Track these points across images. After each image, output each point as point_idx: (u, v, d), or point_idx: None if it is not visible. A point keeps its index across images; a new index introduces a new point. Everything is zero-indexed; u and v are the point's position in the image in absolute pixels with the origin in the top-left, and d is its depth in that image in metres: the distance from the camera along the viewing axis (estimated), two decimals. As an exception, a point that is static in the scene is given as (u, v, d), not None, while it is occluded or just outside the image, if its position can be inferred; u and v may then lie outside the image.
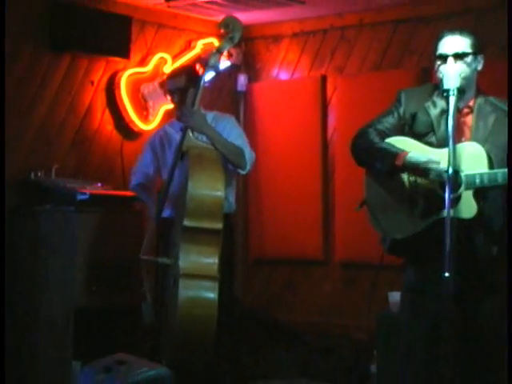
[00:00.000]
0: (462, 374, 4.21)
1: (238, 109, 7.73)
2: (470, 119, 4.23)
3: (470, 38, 4.21)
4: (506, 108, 4.20)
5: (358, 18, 7.27)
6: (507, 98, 4.17)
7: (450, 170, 3.91)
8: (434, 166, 4.06)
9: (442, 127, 4.15)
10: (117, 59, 6.87)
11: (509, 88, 4.27)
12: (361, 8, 7.07)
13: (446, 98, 4.03)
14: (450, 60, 4.16)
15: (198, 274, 5.09)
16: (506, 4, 4.65)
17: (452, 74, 4.09)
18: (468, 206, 4.04)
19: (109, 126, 6.91)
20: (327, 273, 7.45)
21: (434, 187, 4.09)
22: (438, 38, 4.24)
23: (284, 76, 7.78)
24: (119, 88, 6.87)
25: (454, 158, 3.93)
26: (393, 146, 4.21)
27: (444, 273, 3.81)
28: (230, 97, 7.77)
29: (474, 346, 4.27)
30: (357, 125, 4.42)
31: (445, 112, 4.10)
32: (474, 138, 4.15)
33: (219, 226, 5.15)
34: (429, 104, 4.27)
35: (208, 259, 5.12)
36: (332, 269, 7.43)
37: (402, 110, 4.32)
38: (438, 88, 4.20)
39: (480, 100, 4.25)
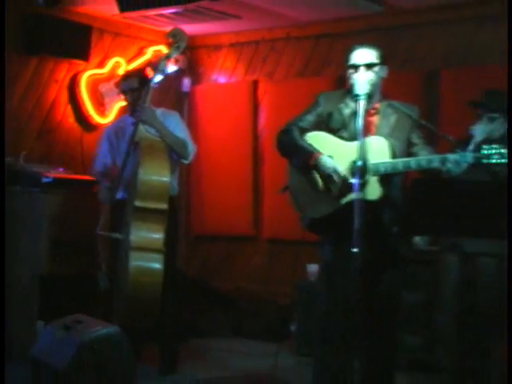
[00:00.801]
0: (367, 335, 4.26)
1: (182, 107, 7.72)
2: (375, 119, 4.28)
3: (377, 51, 4.27)
4: (406, 110, 4.28)
5: (286, 32, 7.30)
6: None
7: (360, 161, 3.95)
8: (335, 177, 4.14)
9: (352, 124, 4.19)
10: (78, 62, 6.84)
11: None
12: (288, 24, 7.10)
13: (357, 101, 4.09)
14: (362, 69, 4.22)
15: (146, 247, 5.06)
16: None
17: (362, 82, 4.13)
18: (374, 190, 4.09)
19: (70, 119, 6.89)
20: (257, 247, 7.50)
21: (345, 174, 4.16)
22: (350, 51, 4.29)
23: (222, 80, 7.80)
24: (80, 87, 6.85)
25: (362, 150, 3.98)
26: (310, 145, 4.26)
27: (353, 248, 3.87)
28: (175, 97, 7.76)
29: (377, 311, 4.32)
30: (283, 123, 4.45)
31: (355, 112, 4.12)
32: (378, 134, 4.21)
33: (165, 206, 5.14)
34: (342, 105, 4.31)
35: (155, 235, 5.10)
36: (261, 244, 7.48)
37: (320, 110, 4.36)
38: (349, 92, 4.24)
39: (384, 103, 4.31)
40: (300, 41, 7.30)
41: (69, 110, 6.88)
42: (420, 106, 4.44)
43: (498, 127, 5.04)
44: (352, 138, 4.19)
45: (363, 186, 3.99)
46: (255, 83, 7.52)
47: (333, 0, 6.16)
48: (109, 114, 7.00)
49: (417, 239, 5.76)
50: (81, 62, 6.86)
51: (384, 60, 4.29)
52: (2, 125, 5.53)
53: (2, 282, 4.48)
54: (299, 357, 6.00)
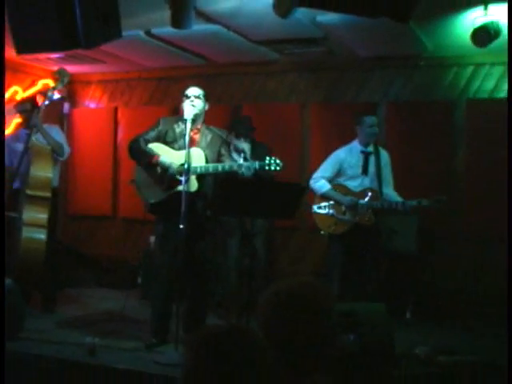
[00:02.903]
0: (188, 285, 4.38)
1: (63, 124, 7.50)
2: (197, 136, 4.38)
3: (202, 90, 4.38)
4: (218, 132, 4.41)
5: (138, 74, 7.26)
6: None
7: (186, 165, 4.08)
8: (171, 169, 4.22)
9: (181, 139, 4.29)
10: (-15, 89, 6.50)
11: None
12: (139, 68, 7.07)
13: (185, 123, 4.18)
14: (191, 99, 4.31)
15: (34, 224, 4.95)
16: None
17: (190, 109, 4.25)
18: (193, 184, 4.20)
19: (-22, 130, 6.54)
20: (114, 224, 7.41)
21: (174, 173, 4.24)
22: (187, 88, 4.38)
23: (92, 105, 7.64)
24: (-14, 107, 6.52)
25: (188, 157, 4.09)
26: (152, 150, 4.31)
27: (180, 225, 3.96)
28: (58, 116, 7.50)
29: (195, 268, 4.39)
30: (135, 137, 4.46)
31: (184, 131, 4.24)
32: (198, 147, 4.32)
33: (48, 194, 5.04)
34: (175, 126, 4.39)
35: (41, 215, 4.99)
36: (117, 222, 7.40)
37: (160, 128, 4.42)
38: (181, 117, 4.33)
39: (204, 126, 4.42)
40: (147, 80, 7.27)
41: (-23, 123, 6.51)
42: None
43: (249, 146, 5.29)
44: (180, 148, 4.29)
45: (187, 181, 4.08)
46: (115, 109, 7.42)
47: (170, 54, 6.20)
48: (8, 127, 6.69)
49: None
50: (-13, 89, 6.50)
51: (206, 98, 4.40)
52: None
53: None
54: (143, 300, 5.99)
